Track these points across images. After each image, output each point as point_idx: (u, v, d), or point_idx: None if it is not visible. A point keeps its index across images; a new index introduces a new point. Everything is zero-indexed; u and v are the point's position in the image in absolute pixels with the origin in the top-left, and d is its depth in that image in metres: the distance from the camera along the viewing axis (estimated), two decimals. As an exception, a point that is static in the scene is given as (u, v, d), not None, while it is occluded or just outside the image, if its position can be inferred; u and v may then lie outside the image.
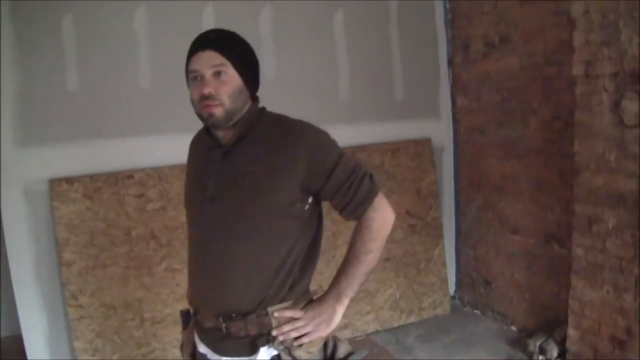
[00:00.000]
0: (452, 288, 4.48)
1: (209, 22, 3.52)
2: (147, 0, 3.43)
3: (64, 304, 3.44)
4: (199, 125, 1.81)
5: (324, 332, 1.74)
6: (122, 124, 3.51)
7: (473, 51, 4.09)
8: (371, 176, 1.76)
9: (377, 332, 4.06)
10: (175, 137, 3.14)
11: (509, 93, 3.85)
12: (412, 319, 4.15)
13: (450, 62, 4.30)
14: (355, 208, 1.72)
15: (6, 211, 3.41)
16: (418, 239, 4.17)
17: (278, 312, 1.71)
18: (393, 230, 3.98)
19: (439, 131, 4.31)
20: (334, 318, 1.73)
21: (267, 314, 1.71)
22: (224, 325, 1.74)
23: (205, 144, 1.84)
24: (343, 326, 3.92)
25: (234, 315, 1.72)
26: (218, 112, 1.68)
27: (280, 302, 1.72)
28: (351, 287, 1.73)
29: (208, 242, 1.77)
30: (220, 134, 1.77)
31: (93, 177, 3.46)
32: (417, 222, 4.15)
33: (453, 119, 4.36)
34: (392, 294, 4.08)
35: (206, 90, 1.66)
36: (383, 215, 1.75)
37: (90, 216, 3.45)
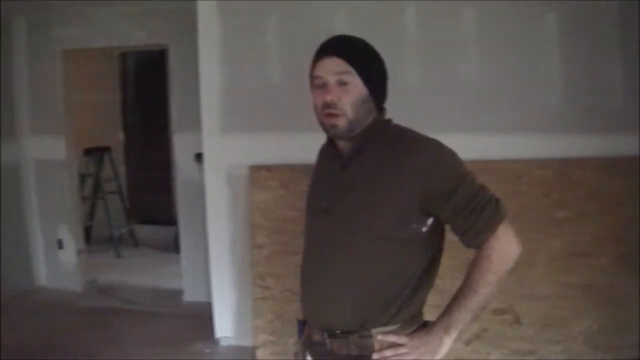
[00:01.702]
0: (666, 331, 4.39)
1: (410, 23, 3.96)
2: (347, 1, 3.99)
3: (252, 284, 4.18)
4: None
5: None
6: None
7: None
8: (497, 201, 1.76)
9: (565, 364, 4.17)
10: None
11: None
12: (609, 357, 4.17)
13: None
14: (475, 235, 1.73)
15: (210, 192, 4.32)
16: (629, 270, 4.16)
17: (382, 335, 1.78)
18: (598, 256, 4.08)
19: (668, 149, 4.19)
20: (439, 350, 1.76)
21: (370, 335, 1.79)
22: (327, 341, 1.85)
23: (328, 154, 1.98)
24: (528, 352, 4.11)
25: (338, 332, 1.83)
26: (341, 122, 1.78)
27: (386, 324, 1.79)
28: (462, 320, 1.75)
29: (317, 255, 1.91)
30: (341, 144, 1.88)
31: (291, 167, 4.08)
32: (630, 250, 4.16)
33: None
34: (589, 326, 4.14)
35: (328, 98, 1.77)
36: (506, 246, 1.75)
37: (284, 204, 4.11)
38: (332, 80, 1.79)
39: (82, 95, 7.13)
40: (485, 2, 3.92)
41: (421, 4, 3.95)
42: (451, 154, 1.79)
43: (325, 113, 1.81)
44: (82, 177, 7.10)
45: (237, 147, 4.21)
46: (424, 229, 1.77)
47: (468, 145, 3.83)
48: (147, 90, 8.01)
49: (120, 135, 8.26)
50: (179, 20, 4.97)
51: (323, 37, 1.93)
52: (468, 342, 3.90)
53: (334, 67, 1.80)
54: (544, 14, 3.95)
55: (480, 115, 3.99)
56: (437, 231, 1.83)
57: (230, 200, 4.29)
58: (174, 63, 5.30)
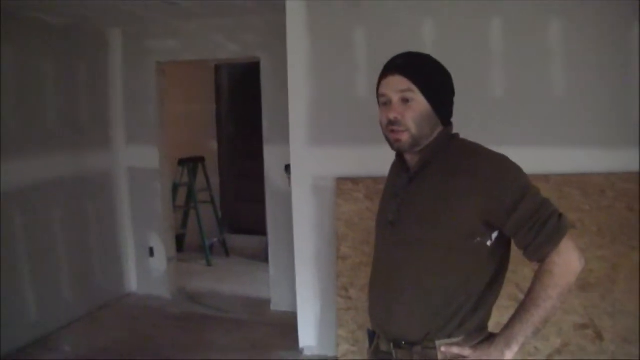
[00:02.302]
0: None
1: (497, 34, 3.98)
2: (434, 16, 4.06)
3: (335, 294, 4.30)
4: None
5: None
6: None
7: None
8: (560, 216, 1.79)
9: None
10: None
11: None
12: None
13: None
14: (537, 249, 1.77)
15: (296, 203, 4.47)
16: None
17: (445, 347, 1.87)
18: None
19: None
20: None
21: (434, 346, 1.87)
22: (393, 351, 1.96)
23: (397, 167, 2.07)
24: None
25: (403, 343, 1.93)
26: (404, 138, 1.88)
27: (449, 336, 1.88)
28: (523, 334, 1.79)
29: (384, 265, 2.02)
30: (408, 158, 1.97)
31: (376, 180, 4.17)
32: None
33: None
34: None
35: (392, 115, 1.88)
36: (567, 261, 1.76)
37: (369, 216, 4.18)
38: (395, 97, 1.89)
39: (178, 106, 7.44)
40: (572, 13, 3.89)
41: (508, 15, 3.96)
42: (515, 168, 1.84)
43: (390, 130, 1.91)
44: (176, 187, 7.39)
45: (323, 159, 4.35)
46: (489, 243, 1.84)
47: (552, 158, 3.91)
48: (241, 101, 8.27)
49: (215, 146, 8.53)
50: (270, 33, 5.16)
51: (411, 49, 2.01)
52: (549, 357, 3.89)
53: (396, 85, 1.89)
54: (630, 25, 3.87)
55: (564, 128, 3.96)
56: (502, 245, 1.88)
57: (316, 211, 4.42)
58: (265, 75, 5.47)
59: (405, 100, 1.88)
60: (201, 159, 7.75)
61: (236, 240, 8.12)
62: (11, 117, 4.80)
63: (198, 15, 5.36)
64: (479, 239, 1.82)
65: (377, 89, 1.98)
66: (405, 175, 1.98)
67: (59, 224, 5.33)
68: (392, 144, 1.94)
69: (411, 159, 1.97)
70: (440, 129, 1.95)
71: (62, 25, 5.33)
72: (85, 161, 5.66)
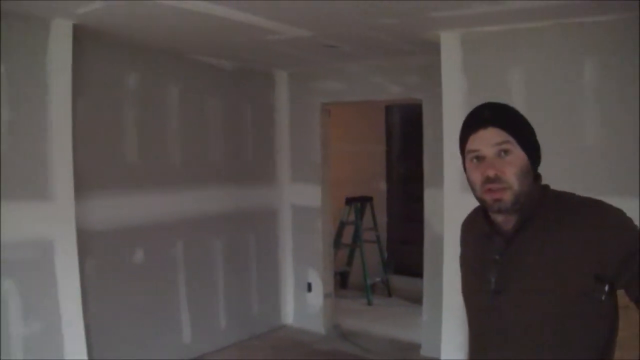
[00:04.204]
0: None
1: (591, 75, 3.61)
2: (597, 55, 3.66)
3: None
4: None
5: None
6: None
7: None
8: None
9: None
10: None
11: None
12: None
13: None
14: None
15: (448, 250, 4.25)
16: None
17: None
18: None
19: None
20: None
21: None
22: None
23: (480, 230, 1.80)
24: None
25: None
26: (506, 196, 1.64)
27: None
28: None
29: (492, 336, 1.73)
30: (499, 219, 1.72)
31: None
32: None
33: None
34: None
35: (491, 173, 1.64)
36: None
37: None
38: (490, 152, 1.66)
39: (348, 145, 7.44)
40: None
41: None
42: (624, 216, 1.61)
43: (487, 189, 1.66)
44: (343, 225, 7.36)
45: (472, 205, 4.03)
46: (603, 297, 1.57)
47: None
48: (412, 142, 8.08)
49: (384, 186, 8.42)
50: (431, 74, 4.94)
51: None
52: None
53: (492, 138, 1.66)
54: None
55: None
56: (612, 301, 1.61)
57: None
58: (427, 117, 5.29)
59: (502, 154, 1.64)
60: (369, 199, 7.65)
61: (400, 281, 7.89)
62: (178, 153, 4.99)
63: (359, 57, 5.33)
64: (594, 294, 1.57)
65: (463, 145, 1.76)
66: (500, 238, 1.72)
67: (220, 254, 5.46)
68: (491, 205, 1.67)
69: (504, 219, 1.71)
70: (532, 182, 1.71)
71: (230, 67, 5.48)
72: (250, 196, 5.79)
